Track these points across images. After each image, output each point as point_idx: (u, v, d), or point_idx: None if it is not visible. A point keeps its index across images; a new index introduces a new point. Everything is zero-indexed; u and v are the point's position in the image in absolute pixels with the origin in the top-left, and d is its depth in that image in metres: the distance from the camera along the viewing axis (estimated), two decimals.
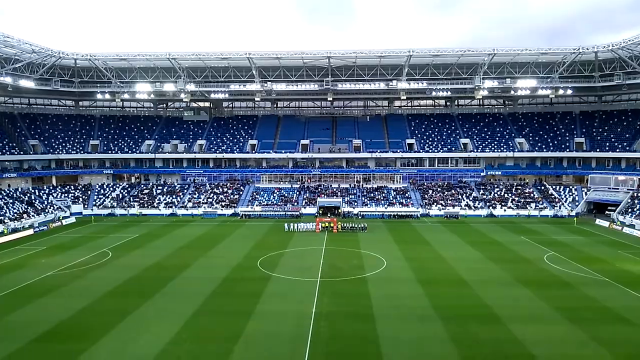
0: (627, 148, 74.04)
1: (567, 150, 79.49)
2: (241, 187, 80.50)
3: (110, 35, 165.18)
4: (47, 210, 68.63)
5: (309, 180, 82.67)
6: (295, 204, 74.13)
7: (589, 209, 71.65)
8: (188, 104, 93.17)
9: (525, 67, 75.89)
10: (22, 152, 77.10)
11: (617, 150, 74.90)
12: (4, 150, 74.32)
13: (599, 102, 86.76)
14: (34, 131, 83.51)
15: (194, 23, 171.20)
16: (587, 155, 77.87)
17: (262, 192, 78.55)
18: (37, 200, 71.48)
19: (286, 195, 77.54)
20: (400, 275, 36.89)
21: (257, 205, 73.12)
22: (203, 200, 76.00)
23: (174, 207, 74.24)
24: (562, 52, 70.84)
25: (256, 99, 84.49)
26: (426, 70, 76.78)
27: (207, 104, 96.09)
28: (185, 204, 75.07)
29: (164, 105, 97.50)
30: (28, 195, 72.34)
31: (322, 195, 76.30)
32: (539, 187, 77.86)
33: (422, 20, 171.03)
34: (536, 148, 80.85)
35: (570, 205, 71.29)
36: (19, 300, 31.18)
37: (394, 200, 74.57)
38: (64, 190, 78.09)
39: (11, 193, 70.76)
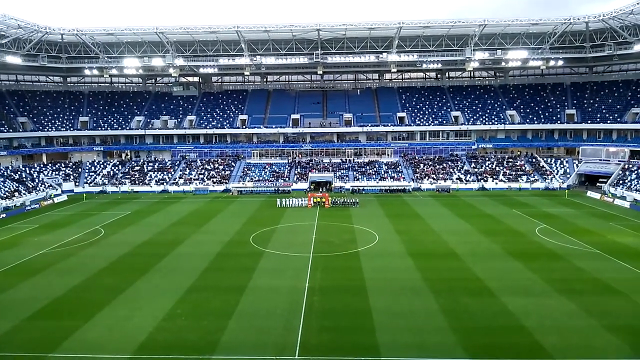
0: (618, 119, 74.21)
1: (558, 122, 79.59)
2: (232, 163, 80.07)
3: (97, 9, 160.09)
4: (38, 188, 67.99)
5: (300, 156, 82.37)
6: (287, 179, 74.05)
7: (580, 181, 72.35)
8: (177, 79, 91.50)
9: (516, 38, 75.07)
10: (11, 130, 75.71)
11: (608, 121, 75.03)
12: None
13: (590, 73, 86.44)
14: (23, 108, 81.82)
15: None
16: (578, 127, 78.07)
17: (253, 168, 78.25)
18: (28, 178, 70.68)
19: (277, 170, 77.34)
20: (392, 249, 37.30)
21: (248, 181, 72.95)
22: (194, 176, 75.61)
23: (165, 183, 73.86)
24: (553, 23, 70.05)
25: (246, 73, 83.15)
26: (416, 42, 75.66)
27: (196, 79, 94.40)
28: (177, 180, 74.68)
29: (153, 80, 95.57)
30: (19, 173, 71.43)
31: (314, 171, 76.22)
32: (530, 160, 78.29)
33: None
34: (527, 120, 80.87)
35: (561, 177, 71.92)
36: (12, 278, 31.20)
37: (386, 174, 74.73)
38: (54, 167, 77.23)
39: (1, 171, 69.74)
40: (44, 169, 76.03)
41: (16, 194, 63.38)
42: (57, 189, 70.37)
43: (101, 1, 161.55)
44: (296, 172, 76.48)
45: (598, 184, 67.96)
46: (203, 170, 77.51)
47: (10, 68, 78.44)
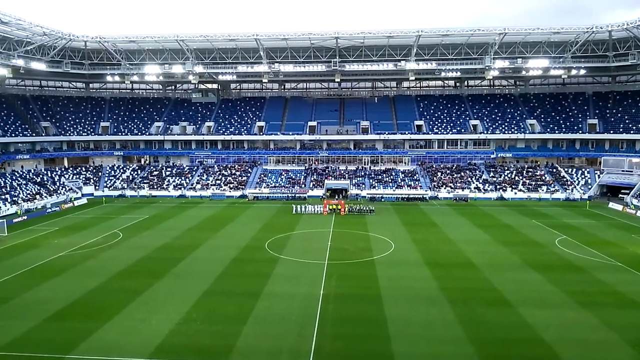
0: None
1: (580, 132, 78.00)
2: (249, 169, 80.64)
3: (119, 17, 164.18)
4: (59, 192, 69.55)
5: (316, 162, 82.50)
6: (303, 186, 74.17)
7: (602, 192, 70.66)
8: (196, 86, 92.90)
9: (537, 46, 74.06)
10: (34, 134, 77.84)
11: (632, 132, 73.26)
12: (17, 132, 75.10)
13: (613, 83, 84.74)
14: (46, 113, 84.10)
15: (201, 3, 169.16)
16: (600, 137, 76.37)
17: (269, 174, 78.63)
18: (49, 182, 72.40)
19: (294, 177, 77.55)
20: (408, 258, 36.92)
21: (264, 187, 73.31)
22: (211, 182, 76.37)
23: (182, 188, 74.75)
24: (575, 32, 68.94)
25: (264, 80, 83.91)
26: (435, 50, 75.32)
27: (215, 86, 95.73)
28: (194, 185, 75.52)
29: (173, 87, 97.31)
30: (40, 176, 73.28)
31: (330, 178, 76.21)
32: (550, 170, 76.85)
33: None
34: (548, 130, 79.50)
35: (582, 188, 70.37)
36: (33, 279, 31.83)
37: (402, 182, 74.23)
38: (75, 171, 79.01)
39: (24, 174, 71.71)
40: (65, 172, 77.82)
41: (37, 196, 64.94)
42: (77, 193, 71.89)
43: (123, 9, 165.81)
44: (312, 179, 76.57)
45: (620, 195, 66.29)
46: (220, 176, 78.24)
47: (35, 74, 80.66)
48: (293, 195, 69.80)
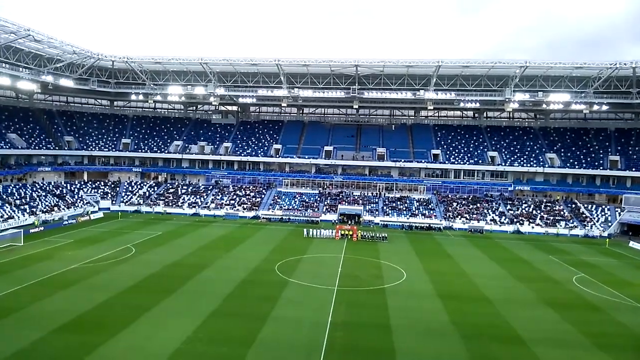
0: None
1: (601, 167, 76.59)
2: (263, 191, 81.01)
3: (142, 38, 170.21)
4: (76, 205, 70.76)
5: (330, 187, 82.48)
6: (316, 209, 74.00)
7: (622, 230, 68.65)
8: (217, 107, 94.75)
9: (558, 80, 73.74)
10: (57, 147, 79.89)
11: None
12: (41, 145, 77.20)
13: (636, 120, 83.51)
14: (70, 128, 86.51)
15: (221, 25, 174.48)
16: (621, 174, 74.78)
17: (283, 197, 78.79)
18: (68, 194, 73.80)
19: (307, 200, 77.52)
20: (420, 289, 36.16)
21: (278, 209, 73.35)
22: (225, 201, 76.81)
23: (197, 207, 75.30)
24: (598, 67, 68.47)
25: (283, 104, 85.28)
26: (455, 80, 75.67)
27: (234, 108, 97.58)
28: (208, 204, 76.03)
29: (194, 107, 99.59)
30: (60, 189, 74.80)
31: (343, 203, 75.94)
32: (569, 205, 75.21)
33: (452, 24, 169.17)
34: (568, 164, 78.21)
35: (602, 225, 68.51)
36: (44, 290, 32.09)
37: (417, 211, 73.47)
38: (94, 185, 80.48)
39: (44, 186, 73.33)
40: (84, 186, 79.33)
41: (55, 208, 66.13)
42: (94, 206, 73.00)
43: (148, 31, 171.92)
44: (326, 203, 76.41)
45: None
46: (234, 196, 78.71)
47: (62, 90, 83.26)
48: (306, 218, 69.59)
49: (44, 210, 64.16)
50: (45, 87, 74.89)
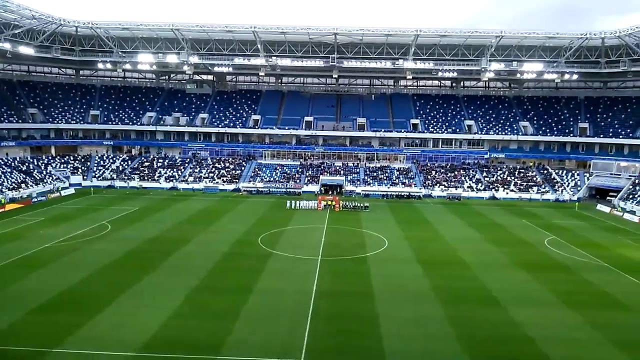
0: (631, 135, 73.50)
1: (571, 135, 78.71)
2: (243, 163, 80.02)
3: (111, 2, 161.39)
4: (45, 181, 68.33)
5: (312, 158, 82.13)
6: (298, 181, 73.83)
7: (590, 194, 71.46)
8: (191, 77, 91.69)
9: (532, 50, 74.48)
10: (20, 121, 76.16)
11: (621, 136, 74.30)
12: (2, 118, 73.38)
13: (604, 88, 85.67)
14: (33, 99, 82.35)
15: None
16: (590, 141, 77.14)
17: (264, 169, 78.12)
18: (36, 170, 71.09)
19: (289, 172, 77.14)
20: (401, 256, 36.93)
21: (259, 182, 72.83)
22: (204, 174, 75.63)
23: (174, 180, 73.94)
24: (569, 37, 69.54)
25: (260, 73, 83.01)
26: (433, 50, 75.25)
27: (210, 77, 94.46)
28: (186, 177, 74.75)
29: (167, 77, 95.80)
30: (26, 164, 71.88)
31: (325, 173, 75.94)
32: (541, 171, 77.47)
33: None
34: (540, 132, 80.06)
35: (572, 189, 71.08)
36: (17, 270, 31.11)
37: (397, 180, 74.27)
38: (63, 160, 77.52)
39: (9, 162, 70.23)
40: (52, 161, 76.32)
41: (23, 185, 63.65)
42: (64, 182, 70.65)
43: None
44: (307, 174, 76.23)
45: (608, 198, 67.16)
46: (213, 169, 77.53)
47: (23, 58, 78.35)
48: (287, 190, 69.43)
49: (11, 187, 61.67)
50: (4, 56, 70.46)
